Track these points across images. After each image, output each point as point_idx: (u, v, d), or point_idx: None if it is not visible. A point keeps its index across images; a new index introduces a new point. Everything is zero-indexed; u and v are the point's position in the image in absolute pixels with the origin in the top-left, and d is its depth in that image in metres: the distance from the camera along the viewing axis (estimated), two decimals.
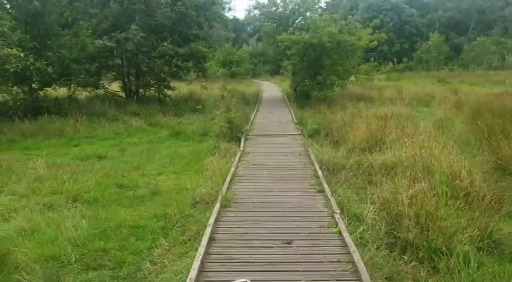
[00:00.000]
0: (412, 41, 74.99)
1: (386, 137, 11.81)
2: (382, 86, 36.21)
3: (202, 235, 6.19)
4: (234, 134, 13.12)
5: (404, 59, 67.45)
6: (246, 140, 13.20)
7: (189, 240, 6.47)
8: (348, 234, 6.09)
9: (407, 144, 11.06)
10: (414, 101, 25.75)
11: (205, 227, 6.41)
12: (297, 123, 16.52)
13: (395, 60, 68.93)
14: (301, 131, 14.95)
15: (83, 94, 23.79)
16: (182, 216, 7.27)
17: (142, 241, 6.55)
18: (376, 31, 30.09)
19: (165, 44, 21.82)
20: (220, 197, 7.40)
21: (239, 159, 10.56)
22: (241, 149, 11.75)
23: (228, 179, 8.74)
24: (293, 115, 19.27)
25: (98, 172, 10.48)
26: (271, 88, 41.80)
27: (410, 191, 7.87)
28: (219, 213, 6.92)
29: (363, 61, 32.44)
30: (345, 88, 26.44)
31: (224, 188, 7.99)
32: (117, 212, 7.72)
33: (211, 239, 6.07)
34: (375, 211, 6.95)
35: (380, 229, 6.50)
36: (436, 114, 19.87)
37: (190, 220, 7.17)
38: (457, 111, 19.04)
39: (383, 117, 17.85)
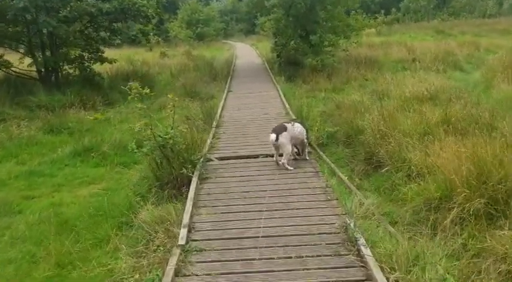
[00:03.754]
0: None
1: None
2: (380, 43, 29.22)
3: None
4: (177, 170, 6.19)
5: (393, 9, 60.48)
6: (201, 179, 6.29)
7: None
8: None
9: None
10: (437, 63, 19.00)
11: None
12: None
13: (382, 11, 61.66)
14: (309, 140, 8.22)
15: None
16: None
17: None
18: None
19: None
20: None
21: None
22: (184, 234, 4.61)
23: None
24: (283, 99, 12.39)
25: None
26: (246, 52, 34.40)
27: None
28: None
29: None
30: (347, 51, 19.45)
31: None
32: None
33: None
34: None
35: None
36: (494, 84, 13.35)
37: None
38: None
39: (425, 99, 11.39)
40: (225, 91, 14.73)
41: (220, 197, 5.80)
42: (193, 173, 6.21)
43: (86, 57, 16.65)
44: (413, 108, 9.86)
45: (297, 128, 7.16)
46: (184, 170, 6.04)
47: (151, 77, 18.62)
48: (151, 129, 6.05)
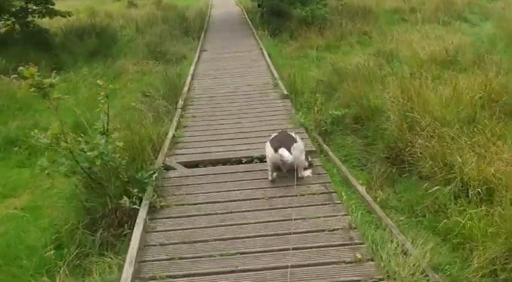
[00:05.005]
0: None
1: None
2: None
3: None
4: (115, 199, 3.94)
5: None
6: (153, 211, 4.00)
7: None
8: None
9: None
10: (439, 13, 16.74)
11: None
12: (287, 97, 7.39)
13: None
14: (306, 129, 6.11)
15: None
16: None
17: None
18: None
19: None
20: None
21: None
22: None
23: None
24: (269, 62, 10.08)
25: None
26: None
27: None
28: None
29: None
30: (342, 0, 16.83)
31: None
32: None
33: None
34: None
35: None
36: None
37: None
38: None
39: (445, 62, 9.25)
40: (198, 50, 12.26)
41: (180, 252, 3.56)
42: (140, 202, 4.02)
43: (30, 10, 13.94)
44: (433, 76, 7.75)
45: (299, 139, 5.08)
46: (125, 200, 3.84)
47: (112, 32, 15.91)
48: (66, 142, 3.79)
